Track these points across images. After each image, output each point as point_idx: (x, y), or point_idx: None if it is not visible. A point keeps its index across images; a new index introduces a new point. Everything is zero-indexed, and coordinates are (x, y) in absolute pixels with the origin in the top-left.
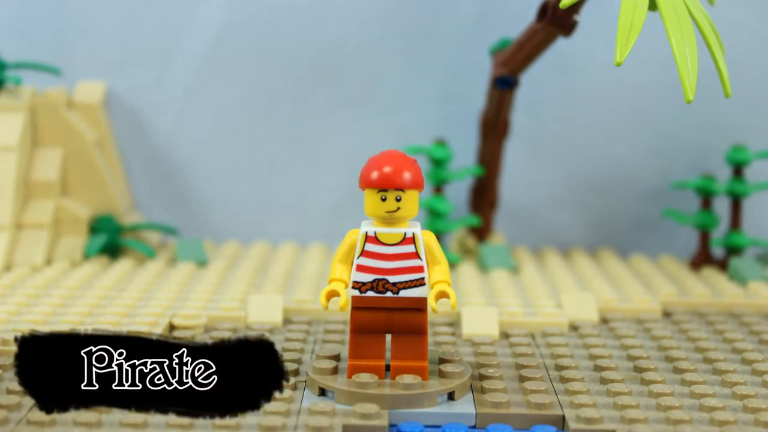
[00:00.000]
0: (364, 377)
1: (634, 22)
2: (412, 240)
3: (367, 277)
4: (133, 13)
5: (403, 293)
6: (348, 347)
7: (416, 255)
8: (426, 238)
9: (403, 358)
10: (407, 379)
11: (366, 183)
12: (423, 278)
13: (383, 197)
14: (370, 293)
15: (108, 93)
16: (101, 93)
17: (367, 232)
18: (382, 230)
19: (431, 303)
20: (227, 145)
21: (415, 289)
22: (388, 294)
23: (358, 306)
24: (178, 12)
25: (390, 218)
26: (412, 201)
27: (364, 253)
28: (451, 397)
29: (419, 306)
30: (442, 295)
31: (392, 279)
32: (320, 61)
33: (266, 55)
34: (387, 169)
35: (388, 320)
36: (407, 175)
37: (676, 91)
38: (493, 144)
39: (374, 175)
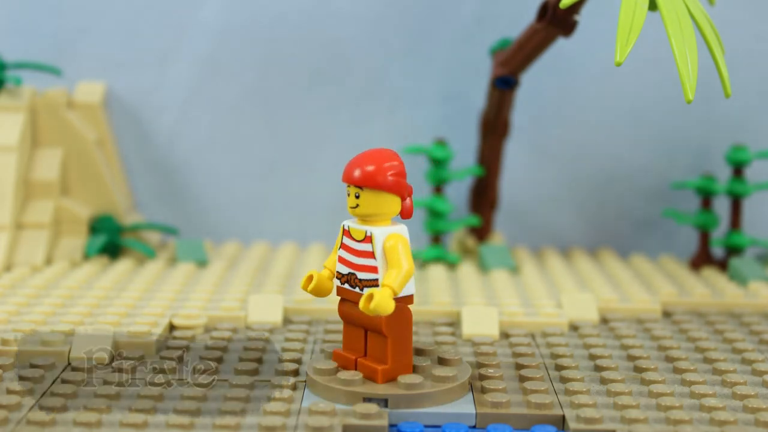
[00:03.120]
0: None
1: (634, 22)
2: (370, 239)
3: (344, 269)
4: (133, 14)
5: (364, 291)
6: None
7: (372, 255)
8: (388, 241)
9: (370, 357)
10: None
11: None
12: (376, 279)
13: (348, 192)
14: (347, 286)
15: (108, 93)
16: (101, 93)
17: (344, 226)
18: (353, 225)
19: (360, 302)
20: (227, 145)
21: (370, 289)
22: (356, 290)
23: (340, 296)
24: (179, 12)
25: (353, 214)
26: (373, 200)
27: (342, 245)
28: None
29: None
30: (368, 296)
31: (359, 275)
32: (320, 61)
33: (266, 56)
34: (350, 165)
35: (360, 316)
36: (362, 173)
37: (676, 91)
38: (493, 144)
39: (344, 168)
